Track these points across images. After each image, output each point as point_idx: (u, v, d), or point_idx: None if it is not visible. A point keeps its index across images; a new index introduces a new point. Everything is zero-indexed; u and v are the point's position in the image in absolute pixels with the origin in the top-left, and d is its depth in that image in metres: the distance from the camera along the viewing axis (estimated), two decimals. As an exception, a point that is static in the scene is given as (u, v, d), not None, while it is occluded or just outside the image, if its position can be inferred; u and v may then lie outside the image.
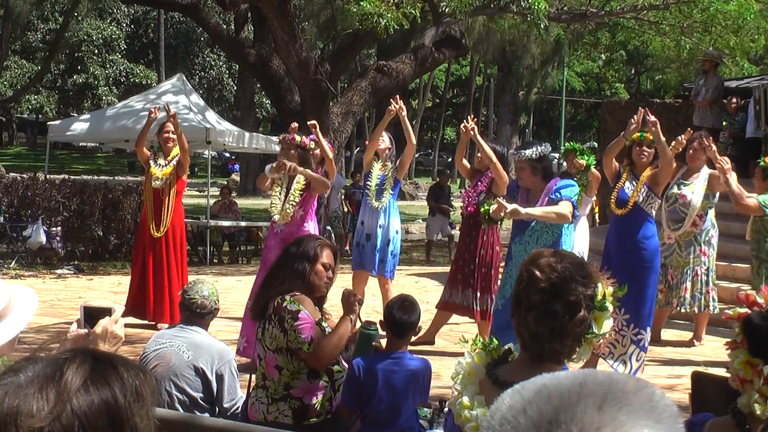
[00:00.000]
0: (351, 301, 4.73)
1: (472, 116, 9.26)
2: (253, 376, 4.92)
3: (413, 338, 5.11)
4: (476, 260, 8.05)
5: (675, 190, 8.52)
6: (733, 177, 7.49)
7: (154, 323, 8.87)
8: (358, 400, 4.64)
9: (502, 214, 6.43)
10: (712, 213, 8.69)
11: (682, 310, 8.69)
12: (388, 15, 12.18)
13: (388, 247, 8.45)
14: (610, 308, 2.58)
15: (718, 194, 8.56)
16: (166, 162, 9.07)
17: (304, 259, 4.70)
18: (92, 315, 2.98)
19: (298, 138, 7.50)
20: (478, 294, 8.04)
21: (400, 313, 4.74)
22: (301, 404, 4.61)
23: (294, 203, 7.44)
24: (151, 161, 9.10)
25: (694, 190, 8.45)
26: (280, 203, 7.52)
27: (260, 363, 4.75)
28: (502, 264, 7.52)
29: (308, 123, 7.77)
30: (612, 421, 0.98)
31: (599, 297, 2.56)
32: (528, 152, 6.50)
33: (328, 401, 4.67)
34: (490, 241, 8.09)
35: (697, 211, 8.49)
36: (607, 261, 7.19)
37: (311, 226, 7.55)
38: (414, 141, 8.48)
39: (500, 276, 7.47)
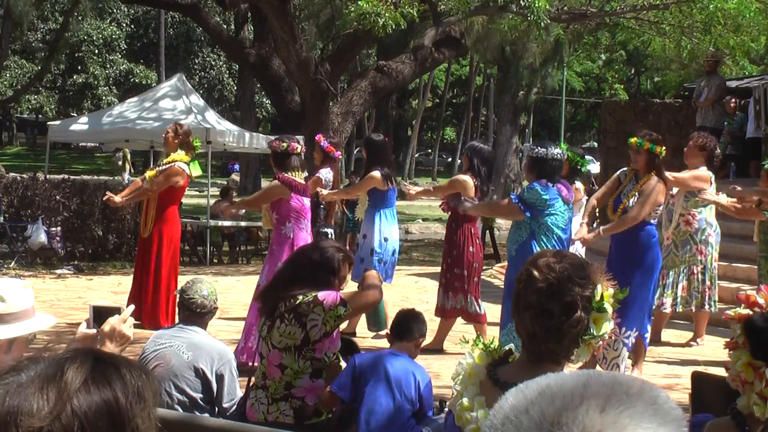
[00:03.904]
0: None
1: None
2: (252, 376, 4.91)
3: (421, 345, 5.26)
4: (451, 261, 8.21)
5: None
6: (720, 198, 7.85)
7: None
8: (349, 390, 4.63)
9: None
10: (708, 212, 8.53)
11: (679, 310, 8.67)
12: (386, 14, 12.18)
13: (372, 256, 8.47)
14: (609, 310, 2.57)
15: (705, 192, 8.39)
16: (161, 165, 8.94)
17: (328, 271, 4.67)
18: (101, 314, 2.99)
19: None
20: (460, 295, 8.13)
21: (405, 317, 5.09)
22: (303, 404, 4.61)
23: (268, 210, 7.63)
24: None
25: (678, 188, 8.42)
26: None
27: (261, 361, 4.74)
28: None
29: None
30: (614, 423, 0.98)
31: (597, 298, 2.55)
32: (528, 146, 6.92)
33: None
34: (466, 242, 8.14)
35: (687, 210, 8.46)
36: (608, 263, 7.14)
37: (289, 229, 7.40)
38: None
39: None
